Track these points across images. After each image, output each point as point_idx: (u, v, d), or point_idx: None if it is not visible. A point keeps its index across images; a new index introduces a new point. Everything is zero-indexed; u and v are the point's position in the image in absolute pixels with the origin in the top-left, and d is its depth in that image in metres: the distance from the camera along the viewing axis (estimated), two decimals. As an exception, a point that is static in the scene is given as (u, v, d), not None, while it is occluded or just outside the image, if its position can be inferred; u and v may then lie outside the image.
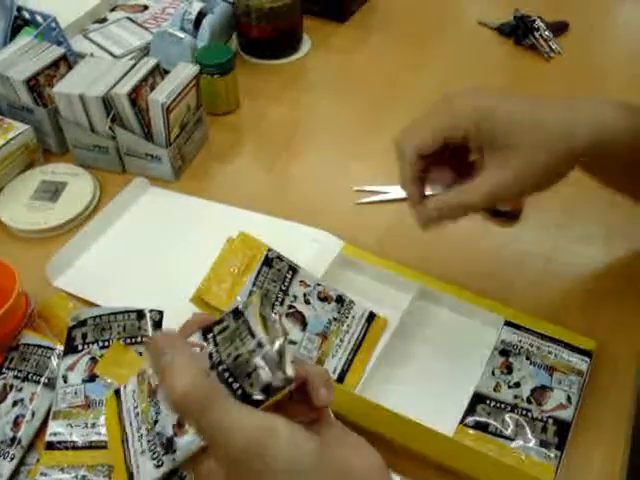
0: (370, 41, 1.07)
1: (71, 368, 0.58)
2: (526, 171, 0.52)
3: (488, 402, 0.58)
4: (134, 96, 0.78)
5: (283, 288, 0.64)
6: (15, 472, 0.55)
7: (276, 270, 0.64)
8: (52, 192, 0.80)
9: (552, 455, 0.55)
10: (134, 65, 0.81)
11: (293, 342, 0.61)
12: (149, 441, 0.42)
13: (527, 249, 0.72)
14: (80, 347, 0.59)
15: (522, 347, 0.61)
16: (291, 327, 0.62)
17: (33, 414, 0.57)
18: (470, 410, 0.57)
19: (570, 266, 0.71)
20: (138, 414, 0.43)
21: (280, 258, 0.65)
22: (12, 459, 0.55)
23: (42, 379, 0.59)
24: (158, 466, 0.41)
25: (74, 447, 0.54)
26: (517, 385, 0.59)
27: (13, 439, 0.55)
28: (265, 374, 0.40)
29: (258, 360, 0.40)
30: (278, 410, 0.40)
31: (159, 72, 0.83)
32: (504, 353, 0.61)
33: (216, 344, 0.42)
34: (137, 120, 0.79)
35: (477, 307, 0.64)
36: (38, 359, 0.60)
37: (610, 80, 0.97)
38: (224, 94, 0.90)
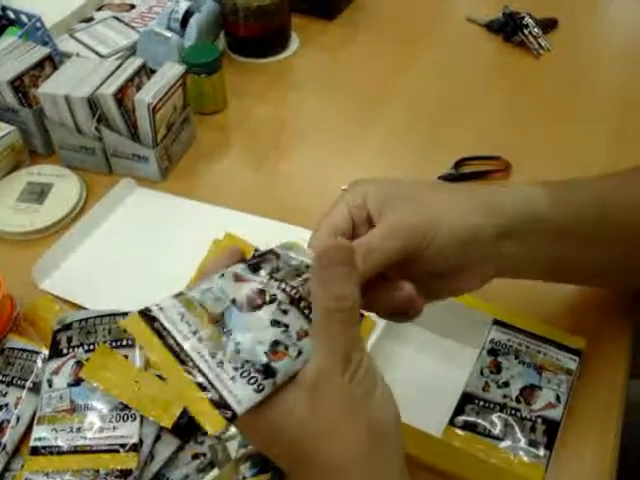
0: (358, 39, 1.07)
1: (56, 372, 0.57)
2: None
3: (477, 402, 0.57)
4: (120, 96, 0.77)
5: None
6: (-1, 478, 0.54)
7: (263, 271, 0.64)
8: (38, 194, 0.80)
9: (541, 454, 0.54)
10: (120, 65, 0.81)
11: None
12: (237, 368, 0.39)
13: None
14: (65, 351, 0.59)
15: (511, 346, 0.61)
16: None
17: (18, 419, 0.56)
18: (459, 410, 0.57)
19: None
20: (202, 339, 0.40)
21: (267, 259, 0.65)
22: (-4, 465, 0.54)
23: (27, 383, 0.58)
24: (259, 390, 0.39)
25: (59, 452, 0.53)
26: (506, 384, 0.58)
27: (-3, 444, 0.55)
28: None
29: None
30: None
31: (145, 72, 0.82)
32: (493, 352, 0.61)
33: (280, 280, 0.42)
34: (123, 120, 0.78)
35: (466, 306, 0.64)
36: (23, 363, 0.59)
37: (599, 76, 0.97)
38: (211, 93, 0.90)
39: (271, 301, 0.42)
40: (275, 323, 0.41)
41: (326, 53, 1.04)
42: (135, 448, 0.53)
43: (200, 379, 0.38)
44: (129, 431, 0.54)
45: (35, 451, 0.54)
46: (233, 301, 0.42)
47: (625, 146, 0.84)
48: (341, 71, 1.00)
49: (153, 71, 0.81)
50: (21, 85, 0.81)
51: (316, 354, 0.40)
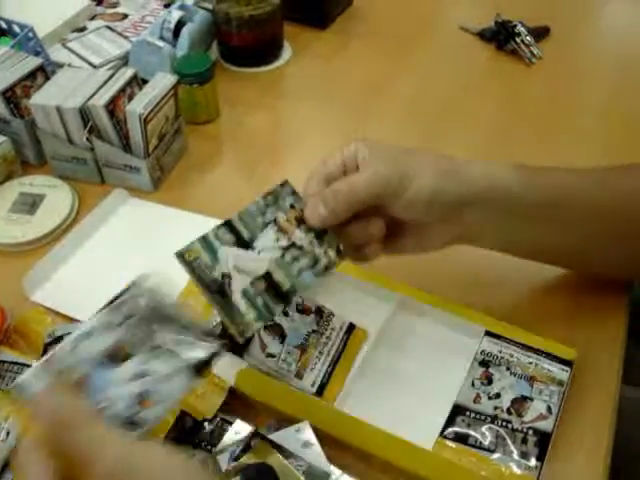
0: (351, 47, 1.07)
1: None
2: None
3: (468, 413, 0.57)
4: (112, 107, 0.77)
5: None
6: (-11, 492, 0.54)
7: (254, 282, 0.64)
8: (30, 204, 0.79)
9: (533, 466, 0.54)
10: (112, 75, 0.81)
11: (272, 355, 0.61)
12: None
13: (508, 259, 0.72)
14: (55, 364, 0.58)
15: (502, 357, 0.61)
16: (270, 340, 0.61)
17: (8, 433, 0.56)
18: (450, 422, 0.57)
19: (551, 275, 0.70)
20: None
21: (258, 270, 0.65)
22: (-14, 479, 0.54)
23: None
24: None
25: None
26: (497, 396, 0.58)
27: (-13, 459, 0.55)
28: None
29: None
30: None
31: (137, 82, 0.82)
32: (484, 364, 0.61)
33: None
34: (115, 131, 0.78)
35: (457, 317, 0.64)
36: (14, 376, 0.59)
37: (591, 84, 0.98)
38: (204, 103, 0.90)
39: (130, 354, 0.45)
40: (136, 376, 0.44)
41: (319, 62, 1.04)
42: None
43: None
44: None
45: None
46: (97, 360, 0.45)
47: (617, 153, 0.84)
48: (334, 80, 1.01)
49: (145, 81, 0.81)
50: (13, 96, 0.81)
51: None
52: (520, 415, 0.57)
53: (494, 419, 0.57)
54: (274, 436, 0.54)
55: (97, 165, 0.82)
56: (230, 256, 0.50)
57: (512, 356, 0.61)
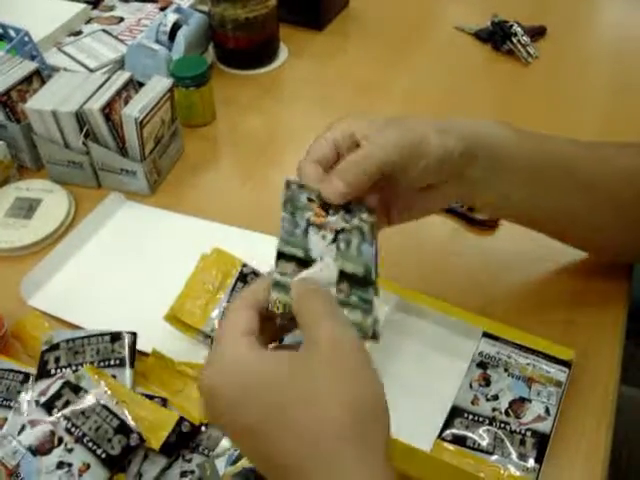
0: (347, 49, 1.07)
1: (43, 393, 0.56)
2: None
3: (466, 415, 0.57)
4: (108, 111, 0.77)
5: None
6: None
7: (252, 286, 0.64)
8: (27, 209, 0.79)
9: (531, 468, 0.54)
10: (107, 79, 0.81)
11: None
12: None
13: (505, 260, 0.72)
14: (53, 371, 0.58)
15: (500, 359, 0.61)
16: (267, 343, 0.61)
17: (4, 440, 0.56)
18: (448, 424, 0.57)
19: (549, 277, 0.70)
20: None
21: (255, 273, 0.65)
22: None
23: (13, 404, 0.57)
24: None
25: (47, 472, 0.53)
26: (495, 398, 0.58)
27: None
28: None
29: None
30: None
31: (133, 85, 0.82)
32: (482, 365, 0.60)
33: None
34: (111, 135, 0.78)
35: (455, 319, 0.64)
36: (9, 384, 0.59)
37: (588, 83, 0.98)
38: (200, 106, 0.90)
39: (59, 442, 0.49)
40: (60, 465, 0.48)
41: (315, 63, 1.04)
42: (123, 468, 0.53)
43: None
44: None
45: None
46: (29, 448, 0.49)
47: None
48: (330, 81, 1.00)
49: (141, 84, 0.81)
50: (9, 100, 0.81)
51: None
52: (518, 417, 0.57)
53: (492, 421, 0.57)
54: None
55: (93, 169, 0.82)
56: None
57: (510, 357, 0.61)
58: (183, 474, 0.54)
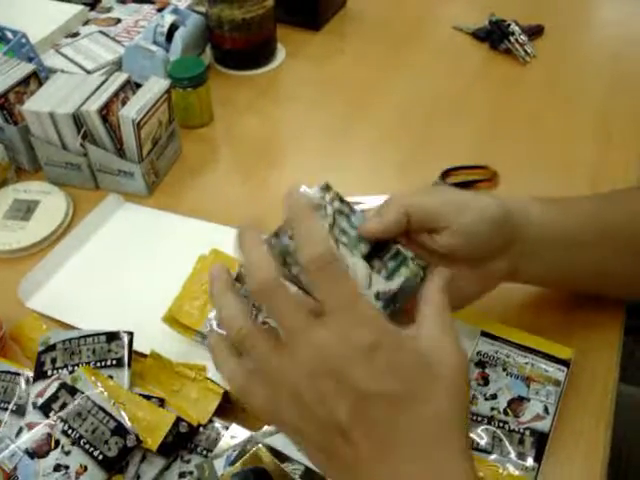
0: (345, 49, 1.07)
1: (41, 394, 0.56)
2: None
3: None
4: (105, 112, 0.77)
5: (256, 304, 0.63)
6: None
7: (249, 286, 0.64)
8: (25, 211, 0.79)
9: (530, 467, 0.54)
10: (105, 80, 0.81)
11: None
12: None
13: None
14: (50, 372, 0.58)
15: (499, 358, 0.61)
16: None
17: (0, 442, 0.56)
18: (447, 424, 0.57)
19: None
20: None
21: (253, 274, 0.64)
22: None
23: (10, 406, 0.57)
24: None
25: (44, 474, 0.53)
26: (494, 397, 0.58)
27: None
28: None
29: None
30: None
31: (130, 87, 0.82)
32: (480, 364, 0.60)
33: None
34: (108, 136, 0.78)
35: (453, 318, 0.64)
36: (6, 385, 0.59)
37: (586, 82, 0.98)
38: (197, 107, 0.90)
39: (56, 444, 0.50)
40: (58, 467, 0.48)
41: (312, 64, 1.04)
42: (121, 470, 0.52)
43: None
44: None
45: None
46: (26, 451, 0.50)
47: (611, 151, 0.84)
48: (328, 81, 1.00)
49: (139, 85, 0.81)
50: (6, 102, 0.81)
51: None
52: (517, 416, 0.57)
53: (491, 420, 0.57)
54: (270, 440, 0.54)
55: (91, 170, 0.81)
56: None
57: (508, 356, 0.61)
58: (182, 475, 0.54)
